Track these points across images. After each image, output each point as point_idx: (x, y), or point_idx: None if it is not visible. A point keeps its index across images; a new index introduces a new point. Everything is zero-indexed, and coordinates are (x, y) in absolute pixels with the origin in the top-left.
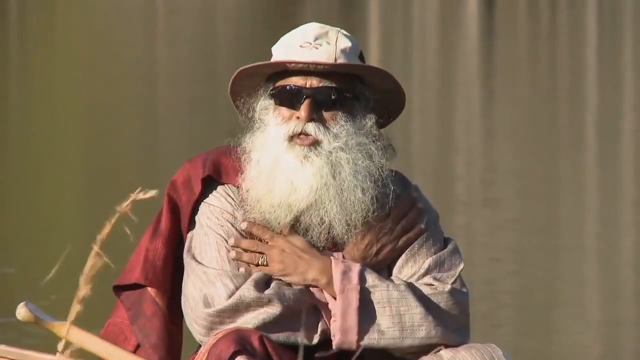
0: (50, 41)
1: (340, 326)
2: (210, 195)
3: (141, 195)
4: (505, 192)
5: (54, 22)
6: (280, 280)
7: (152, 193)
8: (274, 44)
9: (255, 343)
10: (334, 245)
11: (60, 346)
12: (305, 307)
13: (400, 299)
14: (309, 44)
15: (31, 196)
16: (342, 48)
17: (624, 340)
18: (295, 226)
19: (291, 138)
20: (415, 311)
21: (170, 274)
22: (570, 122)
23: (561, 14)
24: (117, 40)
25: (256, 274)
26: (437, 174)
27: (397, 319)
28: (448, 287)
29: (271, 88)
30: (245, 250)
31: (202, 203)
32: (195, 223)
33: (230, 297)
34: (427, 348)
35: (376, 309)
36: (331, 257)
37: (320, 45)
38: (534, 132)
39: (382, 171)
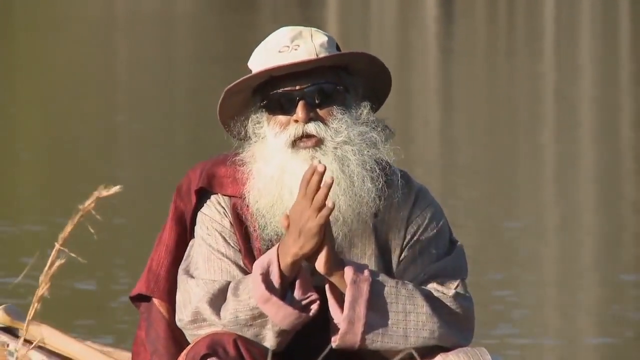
0: (6, 51)
1: (348, 316)
2: (204, 204)
3: (104, 193)
4: (464, 183)
5: (12, 31)
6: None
7: (115, 189)
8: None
9: (229, 347)
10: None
11: (17, 346)
12: (269, 324)
13: (408, 297)
14: (287, 47)
15: None
16: (320, 43)
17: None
18: None
19: (294, 143)
20: (421, 311)
21: (176, 282)
22: (528, 94)
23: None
24: (75, 51)
25: (216, 283)
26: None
27: (403, 316)
28: (452, 291)
29: (261, 100)
30: None
31: (198, 212)
32: (194, 231)
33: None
34: (425, 351)
35: (385, 303)
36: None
37: (299, 45)
38: (491, 111)
39: (389, 158)
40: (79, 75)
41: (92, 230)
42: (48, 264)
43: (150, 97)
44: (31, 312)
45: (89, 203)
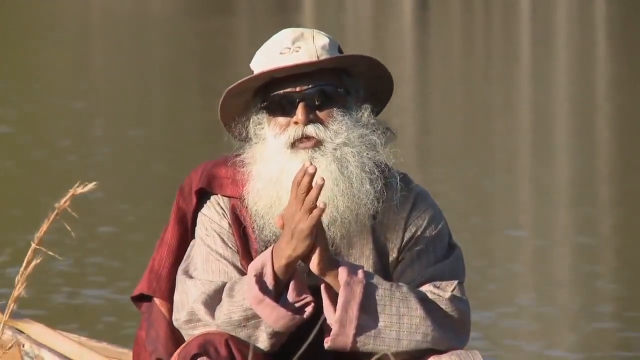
0: None
1: (340, 317)
2: (204, 205)
3: (80, 190)
4: (441, 178)
5: None
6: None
7: (90, 186)
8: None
9: (220, 346)
10: (347, 242)
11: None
12: (261, 325)
13: (402, 299)
14: (288, 49)
15: None
16: (322, 45)
17: None
18: None
19: (293, 144)
20: (415, 314)
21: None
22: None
23: None
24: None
25: (213, 283)
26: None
27: (397, 319)
28: (448, 294)
29: (261, 101)
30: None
31: (199, 213)
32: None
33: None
34: (418, 354)
35: (377, 305)
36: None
37: (300, 47)
38: (467, 112)
39: (388, 161)
40: (53, 77)
41: (69, 228)
42: (24, 263)
43: (126, 100)
44: (7, 313)
45: (64, 201)
